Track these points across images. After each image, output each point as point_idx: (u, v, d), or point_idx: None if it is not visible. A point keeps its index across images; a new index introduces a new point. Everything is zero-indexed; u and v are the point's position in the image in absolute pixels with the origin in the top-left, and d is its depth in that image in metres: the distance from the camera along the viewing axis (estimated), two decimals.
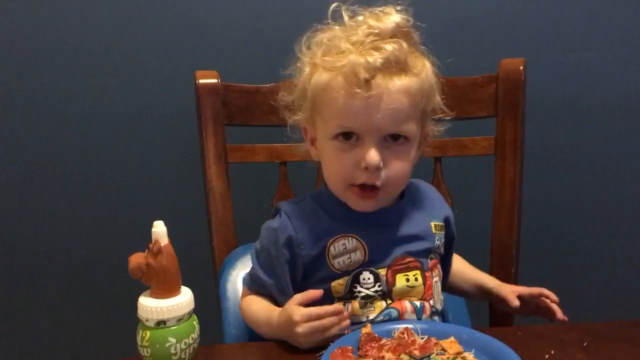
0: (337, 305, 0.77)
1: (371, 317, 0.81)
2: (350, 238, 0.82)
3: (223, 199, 1.06)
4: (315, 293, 0.78)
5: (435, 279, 0.86)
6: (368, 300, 0.81)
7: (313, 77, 0.80)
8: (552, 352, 0.73)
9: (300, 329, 0.74)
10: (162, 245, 0.62)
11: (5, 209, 1.31)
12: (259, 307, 0.85)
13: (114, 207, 1.32)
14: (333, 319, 0.75)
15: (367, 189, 0.80)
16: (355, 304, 0.81)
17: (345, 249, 0.81)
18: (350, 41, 0.78)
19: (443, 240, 0.89)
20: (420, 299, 0.83)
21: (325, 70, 0.79)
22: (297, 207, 0.85)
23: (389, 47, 0.76)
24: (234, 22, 1.24)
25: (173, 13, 1.24)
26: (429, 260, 0.85)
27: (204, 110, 1.05)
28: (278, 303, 0.85)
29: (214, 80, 1.05)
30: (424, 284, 0.83)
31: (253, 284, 0.88)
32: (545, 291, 0.86)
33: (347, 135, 0.78)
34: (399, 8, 0.79)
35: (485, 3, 1.26)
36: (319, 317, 0.75)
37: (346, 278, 0.81)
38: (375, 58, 0.75)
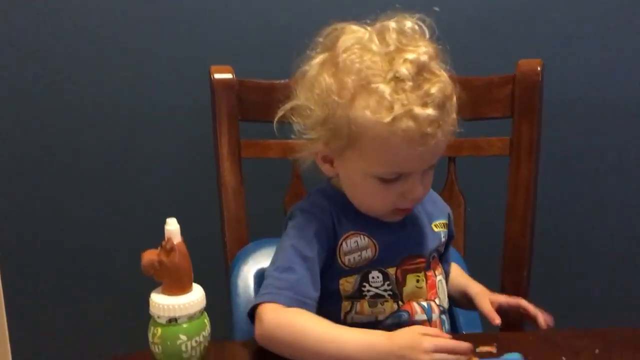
0: (468, 344, 0.70)
1: (380, 318, 0.81)
2: (362, 236, 0.81)
3: (236, 194, 1.06)
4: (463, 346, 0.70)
5: (439, 277, 0.86)
6: (378, 300, 0.81)
7: (352, 117, 0.73)
8: (564, 358, 0.72)
9: (427, 357, 0.68)
10: (174, 243, 0.62)
11: (17, 204, 1.32)
12: (333, 326, 0.73)
13: (126, 202, 1.32)
14: (462, 358, 0.69)
15: (406, 210, 0.81)
16: (365, 303, 0.81)
17: (357, 246, 0.81)
18: (391, 82, 0.71)
19: (446, 237, 0.89)
20: (426, 299, 0.83)
21: (377, 120, 0.72)
22: (312, 205, 0.83)
23: (436, 89, 0.72)
24: (249, 17, 1.24)
25: (188, 7, 1.23)
26: (431, 260, 0.86)
27: (219, 106, 1.05)
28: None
29: (229, 76, 1.05)
30: (426, 284, 0.83)
31: (284, 286, 0.76)
32: (523, 303, 0.84)
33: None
34: (419, 22, 0.76)
35: (503, 3, 1.25)
36: (449, 350, 0.69)
37: (355, 276, 0.81)
38: (433, 112, 0.71)
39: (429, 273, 0.84)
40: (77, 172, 1.31)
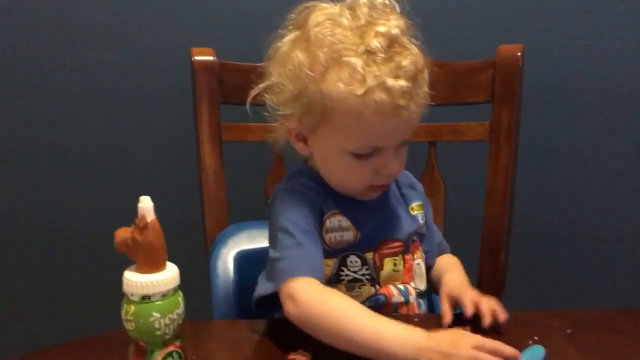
0: (515, 350, 0.65)
1: (358, 302, 0.81)
2: (345, 218, 0.81)
3: (216, 177, 1.06)
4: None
5: (417, 261, 0.87)
6: (355, 284, 0.81)
7: (325, 91, 0.73)
8: (536, 338, 0.73)
9: (466, 352, 0.63)
10: (148, 220, 0.62)
11: None
12: (372, 314, 0.69)
13: (105, 183, 1.32)
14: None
15: (383, 185, 0.81)
16: (342, 287, 0.81)
17: (339, 225, 0.81)
18: (362, 55, 0.71)
19: (425, 219, 0.90)
20: (402, 282, 0.84)
21: (349, 92, 0.72)
22: (298, 184, 0.82)
23: (408, 62, 0.72)
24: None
25: None
26: (410, 243, 0.86)
27: (199, 88, 1.04)
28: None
29: (210, 58, 1.04)
30: (404, 267, 0.84)
31: (298, 257, 0.74)
32: (498, 310, 0.76)
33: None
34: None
35: None
36: (491, 350, 0.64)
37: (334, 259, 0.81)
38: (405, 83, 0.71)
39: (407, 257, 0.85)
40: (55, 151, 1.30)
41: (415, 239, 0.88)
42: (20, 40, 1.24)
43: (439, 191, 1.09)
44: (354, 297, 0.80)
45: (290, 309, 0.71)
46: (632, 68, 1.31)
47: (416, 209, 0.89)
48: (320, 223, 0.80)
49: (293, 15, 0.79)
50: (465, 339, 0.65)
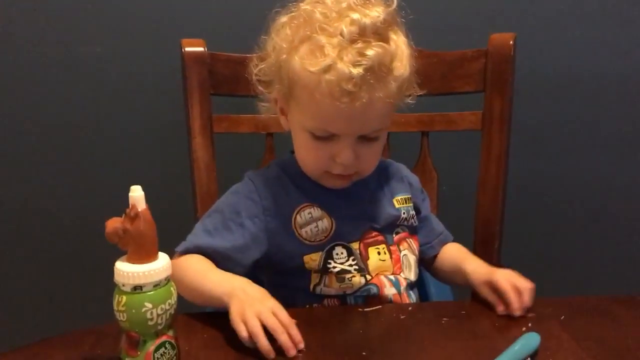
0: (299, 340, 0.67)
1: (349, 292, 0.81)
2: (315, 207, 0.82)
3: (208, 169, 1.05)
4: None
5: (405, 252, 0.87)
6: (345, 275, 0.81)
7: (292, 63, 0.76)
8: (530, 324, 0.73)
9: (265, 307, 0.67)
10: (139, 210, 0.61)
11: None
12: (212, 266, 0.78)
13: (97, 175, 1.31)
14: (287, 342, 0.66)
15: (342, 176, 0.81)
16: (332, 277, 0.81)
17: (311, 217, 0.81)
18: (332, 37, 0.73)
19: (412, 212, 0.90)
20: (393, 273, 0.84)
21: (306, 67, 0.74)
22: (263, 175, 0.85)
23: (372, 53, 0.72)
24: None
25: None
26: (394, 235, 0.86)
27: (190, 80, 1.03)
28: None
29: (201, 49, 1.04)
30: (391, 258, 0.84)
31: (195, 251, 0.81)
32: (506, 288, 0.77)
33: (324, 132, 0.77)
34: None
35: None
36: (283, 329, 0.66)
37: (320, 253, 0.81)
38: (359, 71, 0.71)
39: (393, 248, 0.85)
40: (46, 144, 1.29)
41: (400, 230, 0.88)
42: (8, 33, 1.23)
43: (431, 181, 1.09)
44: (345, 288, 0.81)
45: None
46: (624, 57, 1.31)
47: (401, 201, 0.89)
48: (261, 223, 0.82)
49: None
50: (271, 301, 0.69)
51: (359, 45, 0.72)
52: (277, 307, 0.69)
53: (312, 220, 0.81)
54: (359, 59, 0.72)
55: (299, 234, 0.81)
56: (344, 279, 0.81)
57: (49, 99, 1.27)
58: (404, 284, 0.84)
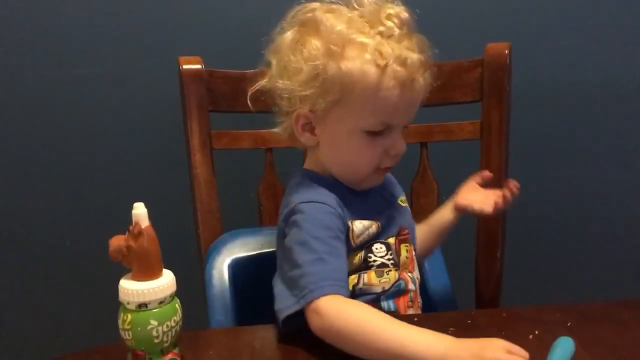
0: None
1: (386, 287, 0.82)
2: (365, 219, 0.82)
3: (208, 186, 1.05)
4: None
5: (414, 250, 0.89)
6: (384, 269, 0.82)
7: (342, 69, 0.75)
8: (537, 332, 0.73)
9: (498, 354, 0.62)
10: (142, 227, 0.61)
11: None
12: (387, 318, 0.69)
13: (98, 194, 1.31)
14: None
15: (386, 169, 0.83)
16: (372, 273, 0.81)
17: (363, 226, 0.81)
18: (376, 33, 0.76)
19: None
20: (409, 271, 0.85)
21: (366, 66, 0.75)
22: (317, 194, 0.80)
23: (418, 40, 0.78)
24: (217, 7, 1.23)
25: None
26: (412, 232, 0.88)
27: (188, 97, 1.04)
28: None
29: (198, 66, 1.04)
30: (410, 255, 0.86)
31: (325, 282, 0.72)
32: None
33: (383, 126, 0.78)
34: None
35: None
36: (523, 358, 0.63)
37: (359, 253, 0.81)
38: (418, 56, 0.76)
39: (412, 246, 0.87)
40: (48, 163, 1.30)
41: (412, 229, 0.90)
42: (6, 56, 1.23)
43: (432, 191, 1.09)
44: (384, 282, 0.82)
45: (315, 322, 0.70)
46: (620, 65, 1.32)
47: (404, 202, 0.92)
48: (345, 229, 0.79)
49: (295, 13, 0.81)
50: (496, 342, 0.63)
51: (404, 36, 0.77)
52: (504, 343, 0.64)
53: (364, 229, 0.81)
54: (411, 47, 0.76)
55: (353, 242, 0.80)
56: (382, 273, 0.81)
57: (49, 119, 1.27)
58: (417, 282, 0.86)
